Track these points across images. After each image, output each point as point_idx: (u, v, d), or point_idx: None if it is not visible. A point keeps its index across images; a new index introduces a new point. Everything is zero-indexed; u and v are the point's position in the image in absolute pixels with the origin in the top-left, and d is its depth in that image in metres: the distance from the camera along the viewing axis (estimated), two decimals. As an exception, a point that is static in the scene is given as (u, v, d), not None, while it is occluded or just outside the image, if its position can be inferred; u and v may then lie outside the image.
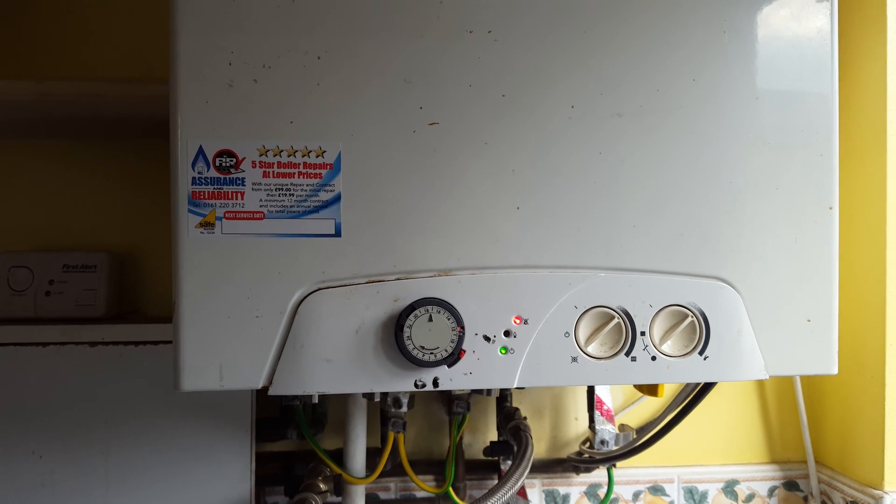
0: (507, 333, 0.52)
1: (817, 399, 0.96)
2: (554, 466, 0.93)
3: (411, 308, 0.50)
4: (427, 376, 0.52)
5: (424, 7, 0.51)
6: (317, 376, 0.51)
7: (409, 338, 0.50)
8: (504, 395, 0.87)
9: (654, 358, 0.53)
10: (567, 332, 0.52)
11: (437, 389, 0.52)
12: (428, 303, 0.51)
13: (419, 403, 0.91)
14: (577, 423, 0.95)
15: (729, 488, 0.96)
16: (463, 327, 0.51)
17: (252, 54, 0.50)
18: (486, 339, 0.52)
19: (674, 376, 0.53)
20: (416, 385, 0.51)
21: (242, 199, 0.50)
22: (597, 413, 0.87)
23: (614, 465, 0.87)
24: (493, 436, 0.94)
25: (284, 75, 0.50)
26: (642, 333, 0.53)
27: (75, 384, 0.78)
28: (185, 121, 0.50)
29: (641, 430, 0.92)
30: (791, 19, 0.54)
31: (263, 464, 0.85)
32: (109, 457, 0.78)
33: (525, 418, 0.83)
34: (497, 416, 0.88)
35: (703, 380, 0.54)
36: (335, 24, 0.51)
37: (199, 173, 0.50)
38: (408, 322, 0.50)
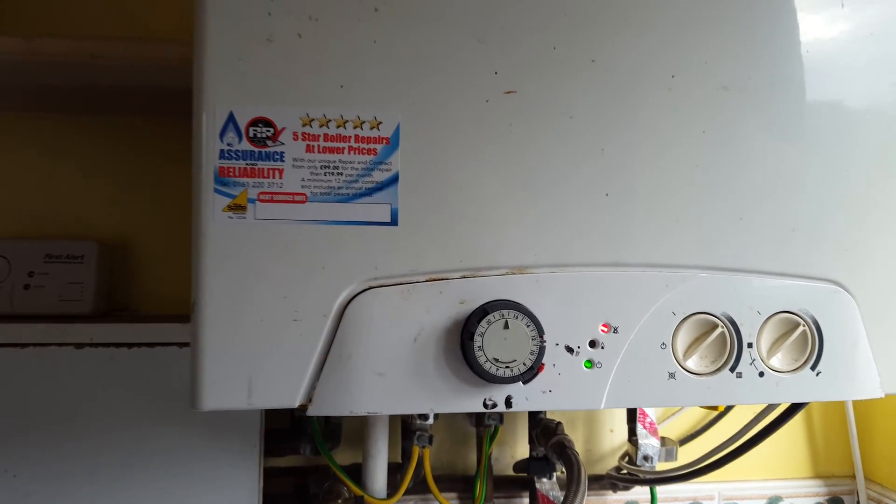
0: (592, 344, 0.44)
1: (866, 412, 0.90)
2: (589, 483, 0.85)
3: (483, 312, 0.42)
4: (499, 394, 0.43)
5: (502, -47, 0.43)
6: (367, 393, 0.42)
7: (481, 348, 0.42)
8: (537, 406, 0.79)
9: (761, 374, 0.45)
10: (664, 343, 0.44)
11: (510, 411, 0.44)
12: (503, 306, 0.42)
13: (442, 414, 0.83)
14: (612, 436, 0.88)
15: (770, 505, 0.90)
16: (544, 336, 0.43)
17: (296, 3, 0.41)
18: (569, 350, 0.44)
19: (783, 395, 0.46)
20: (485, 405, 0.43)
21: (281, 177, 0.42)
22: (639, 426, 0.79)
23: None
24: (521, 449, 0.86)
25: (334, 29, 0.42)
26: (749, 345, 0.45)
27: (58, 392, 0.68)
28: (213, 82, 0.41)
29: (683, 443, 0.85)
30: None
31: (270, 479, 0.75)
32: (96, 477, 0.68)
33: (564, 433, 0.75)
34: (530, 430, 0.80)
35: (815, 399, 0.46)
36: (394, -30, 0.42)
37: (228, 145, 0.41)
38: (479, 329, 0.42)
